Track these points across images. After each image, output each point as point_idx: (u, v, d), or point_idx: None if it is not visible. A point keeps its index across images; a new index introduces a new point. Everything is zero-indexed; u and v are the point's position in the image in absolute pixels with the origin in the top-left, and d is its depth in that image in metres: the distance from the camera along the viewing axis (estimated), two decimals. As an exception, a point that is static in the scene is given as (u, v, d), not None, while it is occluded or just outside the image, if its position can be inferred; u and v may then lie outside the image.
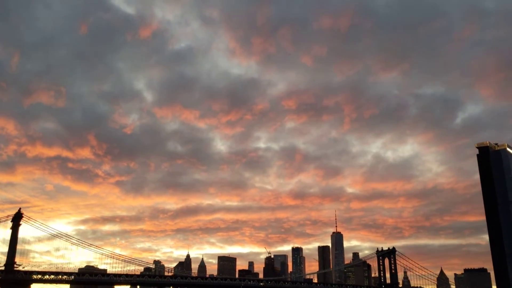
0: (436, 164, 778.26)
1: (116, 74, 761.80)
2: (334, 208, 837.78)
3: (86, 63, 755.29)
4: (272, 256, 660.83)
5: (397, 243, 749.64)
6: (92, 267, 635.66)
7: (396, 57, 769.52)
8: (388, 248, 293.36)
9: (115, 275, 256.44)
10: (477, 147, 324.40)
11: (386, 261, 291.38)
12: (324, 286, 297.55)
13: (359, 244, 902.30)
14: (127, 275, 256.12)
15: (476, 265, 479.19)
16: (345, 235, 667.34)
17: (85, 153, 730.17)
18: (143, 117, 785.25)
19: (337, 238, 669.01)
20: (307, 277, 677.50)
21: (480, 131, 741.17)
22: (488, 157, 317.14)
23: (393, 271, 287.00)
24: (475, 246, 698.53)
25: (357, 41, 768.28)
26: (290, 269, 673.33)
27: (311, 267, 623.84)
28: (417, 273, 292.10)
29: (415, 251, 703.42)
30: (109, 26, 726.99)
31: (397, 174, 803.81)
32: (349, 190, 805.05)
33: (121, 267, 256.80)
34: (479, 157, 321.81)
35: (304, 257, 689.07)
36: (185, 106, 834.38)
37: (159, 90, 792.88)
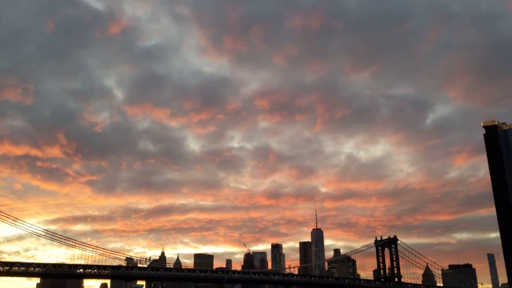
0: (407, 164, 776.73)
1: (86, 71, 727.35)
2: (309, 208, 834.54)
3: (55, 60, 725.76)
4: (251, 253, 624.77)
5: (370, 242, 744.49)
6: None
7: (367, 58, 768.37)
8: (389, 237, 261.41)
9: (90, 266, 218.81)
10: (484, 126, 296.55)
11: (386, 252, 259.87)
12: (309, 278, 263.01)
13: (334, 243, 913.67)
14: (100, 267, 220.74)
15: (446, 263, 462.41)
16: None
17: (54, 151, 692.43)
18: (114, 115, 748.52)
19: (317, 235, 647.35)
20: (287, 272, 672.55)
21: (449, 133, 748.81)
22: (496, 137, 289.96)
23: (394, 262, 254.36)
24: (446, 245, 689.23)
25: (328, 41, 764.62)
26: (269, 266, 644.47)
27: (291, 264, 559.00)
28: (419, 265, 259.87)
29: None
30: (77, 22, 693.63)
31: (369, 174, 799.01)
32: (323, 189, 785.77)
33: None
34: (486, 136, 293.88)
35: (283, 254, 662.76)
36: (156, 104, 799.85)
37: (129, 88, 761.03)
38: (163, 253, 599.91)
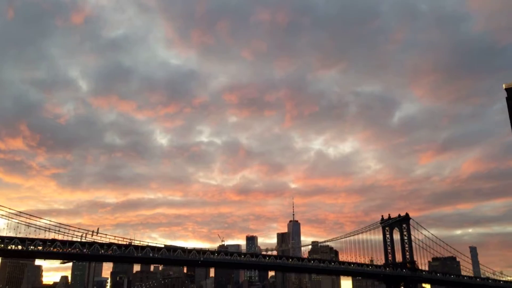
0: (374, 161, 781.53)
1: (49, 61, 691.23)
2: (278, 204, 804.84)
3: (15, 48, 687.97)
4: (225, 245, 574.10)
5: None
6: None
7: (335, 54, 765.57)
8: (399, 215, 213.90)
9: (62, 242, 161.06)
10: (505, 89, 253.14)
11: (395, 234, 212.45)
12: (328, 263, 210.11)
13: (303, 239, 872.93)
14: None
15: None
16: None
17: (17, 143, 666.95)
18: (79, 107, 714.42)
19: (294, 227, 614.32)
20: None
21: (415, 131, 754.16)
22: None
23: (406, 246, 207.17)
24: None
25: (296, 37, 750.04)
26: None
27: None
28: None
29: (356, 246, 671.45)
30: (37, 10, 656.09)
31: (338, 171, 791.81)
32: (292, 185, 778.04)
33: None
34: (508, 99, 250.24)
35: (259, 247, 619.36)
36: (122, 97, 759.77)
37: (94, 79, 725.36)
38: (131, 244, 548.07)
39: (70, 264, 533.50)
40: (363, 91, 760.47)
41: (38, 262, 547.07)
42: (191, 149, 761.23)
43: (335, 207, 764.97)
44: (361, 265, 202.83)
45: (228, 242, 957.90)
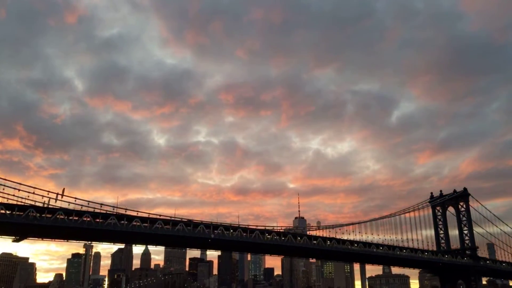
0: (373, 161, 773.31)
1: (44, 61, 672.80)
2: (277, 204, 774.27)
3: (9, 48, 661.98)
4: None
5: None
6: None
7: (330, 53, 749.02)
8: (454, 191, 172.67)
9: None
10: None
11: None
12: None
13: None
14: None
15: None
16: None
17: (14, 144, 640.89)
18: (75, 107, 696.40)
19: (300, 223, 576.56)
20: (267, 266, 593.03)
21: (413, 130, 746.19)
22: None
23: (464, 226, 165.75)
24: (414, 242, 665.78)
25: (290, 36, 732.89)
26: (249, 257, 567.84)
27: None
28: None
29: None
30: (30, 10, 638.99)
31: (336, 171, 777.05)
32: (291, 185, 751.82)
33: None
34: None
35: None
36: (117, 97, 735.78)
37: (90, 79, 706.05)
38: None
39: (64, 260, 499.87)
40: (360, 90, 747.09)
41: (31, 260, 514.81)
42: (188, 149, 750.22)
43: (334, 207, 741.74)
44: (414, 250, 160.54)
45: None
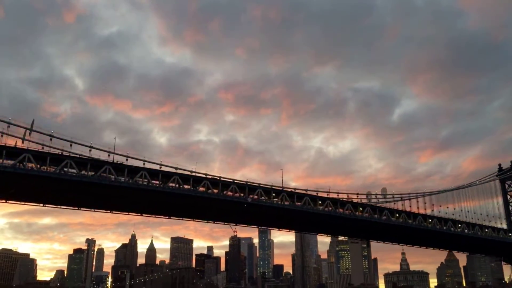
0: (375, 159, 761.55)
1: (44, 60, 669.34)
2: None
3: (9, 47, 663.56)
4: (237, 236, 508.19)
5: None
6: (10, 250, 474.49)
7: (330, 51, 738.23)
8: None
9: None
10: None
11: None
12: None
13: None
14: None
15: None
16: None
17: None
18: (75, 106, 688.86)
19: None
20: (275, 262, 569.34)
21: (414, 128, 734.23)
22: None
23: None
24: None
25: (290, 33, 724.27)
26: (257, 254, 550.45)
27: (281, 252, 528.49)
28: None
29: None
30: (28, 9, 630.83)
31: (338, 169, 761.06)
32: (293, 184, 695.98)
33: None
34: None
35: (272, 240, 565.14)
36: (117, 96, 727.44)
37: (90, 78, 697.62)
38: (134, 236, 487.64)
39: (66, 256, 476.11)
40: (361, 88, 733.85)
41: (32, 256, 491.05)
42: (190, 148, 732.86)
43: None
44: (485, 227, 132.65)
45: (222, 243, 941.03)
